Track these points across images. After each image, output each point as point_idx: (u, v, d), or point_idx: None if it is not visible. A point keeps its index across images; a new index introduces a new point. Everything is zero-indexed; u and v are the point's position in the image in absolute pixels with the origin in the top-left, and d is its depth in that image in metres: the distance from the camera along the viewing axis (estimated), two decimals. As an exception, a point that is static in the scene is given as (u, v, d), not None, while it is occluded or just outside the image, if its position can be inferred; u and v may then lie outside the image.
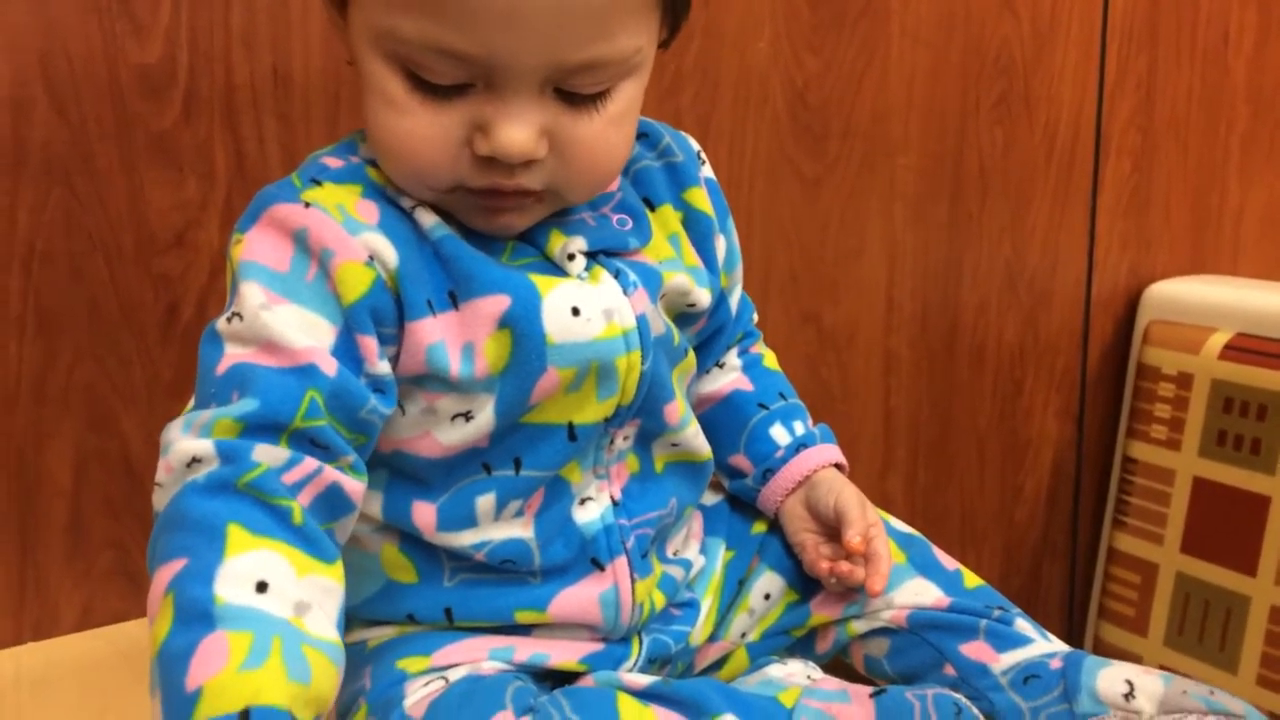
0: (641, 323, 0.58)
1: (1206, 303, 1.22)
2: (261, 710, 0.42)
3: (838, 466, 0.69)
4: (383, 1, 0.50)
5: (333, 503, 0.51)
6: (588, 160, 0.54)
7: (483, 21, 0.48)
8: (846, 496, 0.65)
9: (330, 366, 0.51)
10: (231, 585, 0.45)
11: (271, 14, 0.76)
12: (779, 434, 0.69)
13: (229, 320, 0.52)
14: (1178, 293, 1.26)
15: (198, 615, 0.44)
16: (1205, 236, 1.35)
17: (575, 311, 0.55)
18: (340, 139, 0.61)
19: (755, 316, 0.75)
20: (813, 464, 0.67)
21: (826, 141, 1.03)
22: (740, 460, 0.69)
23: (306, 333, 0.51)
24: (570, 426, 0.56)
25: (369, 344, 0.53)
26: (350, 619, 0.59)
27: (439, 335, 0.54)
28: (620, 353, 0.57)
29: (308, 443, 0.50)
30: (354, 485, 0.52)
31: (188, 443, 0.49)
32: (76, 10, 0.71)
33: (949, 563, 0.68)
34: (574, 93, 0.52)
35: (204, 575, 0.45)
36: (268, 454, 0.49)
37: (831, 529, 0.65)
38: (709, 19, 0.95)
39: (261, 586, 0.45)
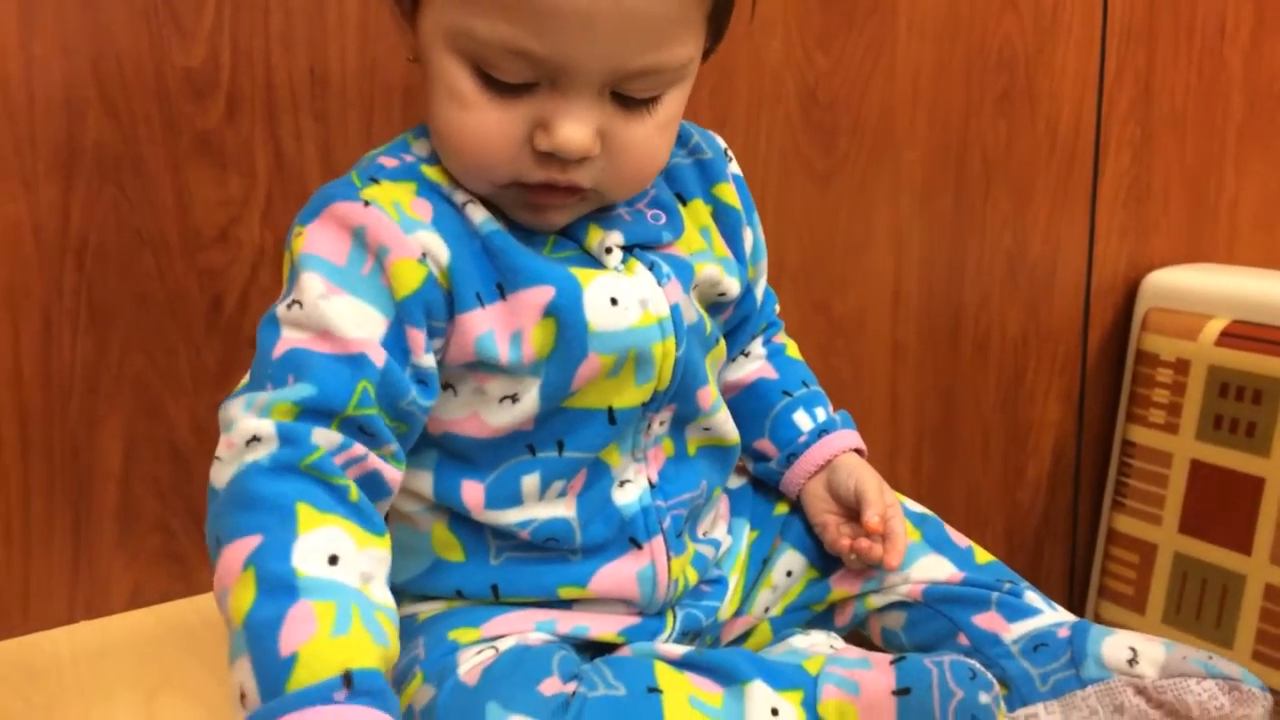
0: (675, 311, 0.61)
1: (1203, 291, 1.26)
2: (360, 673, 0.46)
3: (857, 451, 0.72)
4: (460, 3, 0.53)
5: (374, 487, 0.54)
6: (635, 161, 0.58)
7: (557, 26, 0.52)
8: (866, 479, 0.69)
9: (379, 357, 0.54)
10: (308, 559, 0.49)
11: (308, 16, 0.80)
12: (802, 420, 0.72)
13: (289, 307, 0.55)
14: (1175, 281, 1.29)
15: (282, 587, 0.48)
16: (1202, 226, 1.39)
17: (614, 301, 0.59)
18: (390, 138, 0.64)
19: (778, 307, 0.78)
20: (834, 449, 0.71)
21: (836, 137, 1.07)
22: (765, 445, 0.72)
23: (359, 324, 0.55)
24: (610, 410, 0.60)
25: (418, 337, 0.56)
26: (401, 594, 0.63)
27: (488, 325, 0.57)
28: (656, 340, 0.60)
29: (356, 429, 0.54)
30: (393, 474, 0.55)
31: (249, 422, 0.52)
32: (125, 15, 0.74)
33: (961, 540, 0.72)
34: (629, 97, 0.56)
35: (282, 550, 0.48)
36: (324, 437, 0.52)
37: (851, 510, 0.69)
38: (724, 19, 0.98)
39: (333, 560, 0.49)
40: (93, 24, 0.73)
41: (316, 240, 0.56)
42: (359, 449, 0.53)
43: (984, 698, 0.57)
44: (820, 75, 1.04)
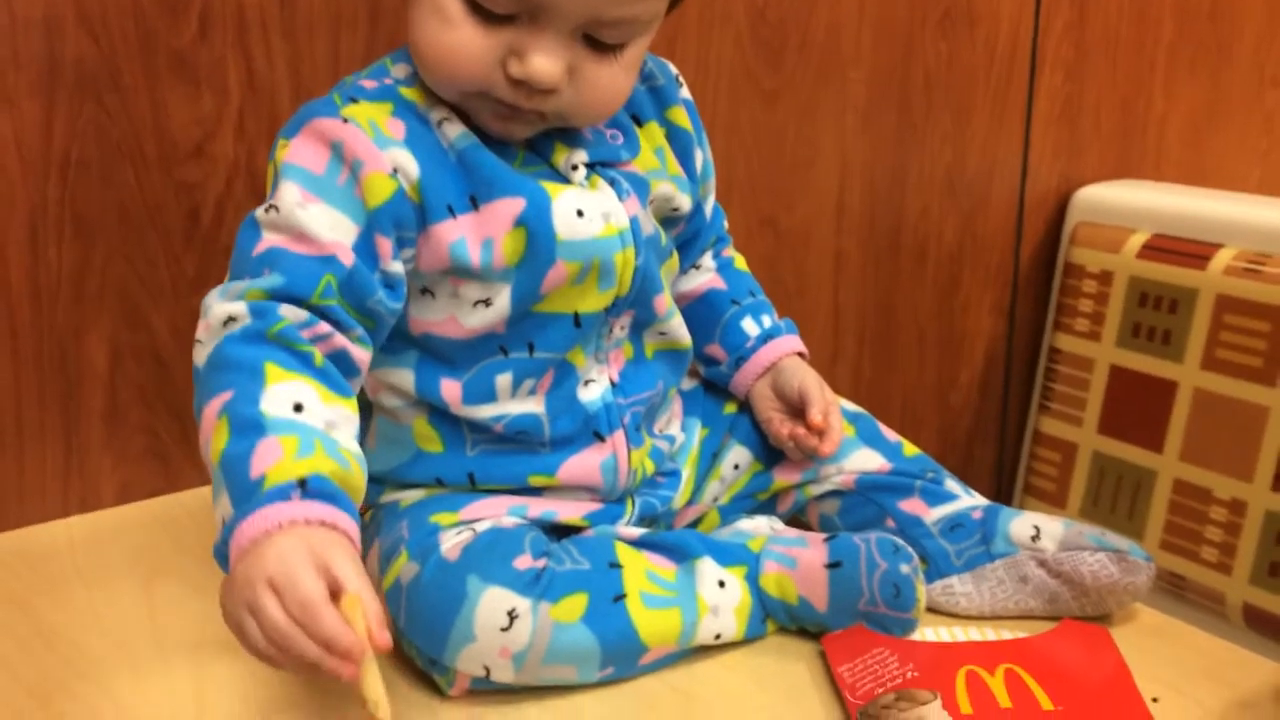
0: (634, 224, 0.66)
1: (1128, 206, 1.33)
2: (315, 477, 0.52)
3: (800, 355, 0.79)
4: None
5: (342, 364, 0.60)
6: (600, 98, 0.63)
7: None
8: (808, 380, 0.75)
9: (348, 258, 0.60)
10: (274, 405, 0.54)
11: (277, -62, 0.82)
12: (749, 326, 0.78)
13: (267, 211, 0.60)
14: (1103, 196, 1.36)
15: (251, 427, 0.53)
16: (1132, 144, 1.45)
17: (579, 214, 0.64)
18: (356, 57, 0.69)
19: (726, 224, 0.84)
20: (779, 352, 0.77)
21: (784, 55, 1.11)
22: (715, 349, 0.78)
23: (332, 229, 0.60)
24: (576, 315, 0.66)
25: (386, 244, 0.61)
26: (385, 481, 0.69)
27: (460, 234, 0.63)
28: (617, 249, 0.66)
29: (321, 314, 0.59)
30: (360, 354, 0.61)
31: (224, 305, 0.58)
32: (100, -65, 0.76)
33: (891, 435, 0.79)
34: (600, 41, 0.61)
35: (251, 399, 0.54)
36: (291, 313, 0.58)
37: (794, 407, 0.75)
38: (677, -59, 1.01)
39: (298, 407, 0.55)
40: (68, -57, 0.76)
41: (298, 151, 0.61)
42: (324, 327, 0.59)
43: (905, 569, 0.65)
44: (769, -5, 1.08)
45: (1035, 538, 0.70)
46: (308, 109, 0.63)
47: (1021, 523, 0.71)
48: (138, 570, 0.76)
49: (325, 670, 0.48)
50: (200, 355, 0.58)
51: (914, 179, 1.25)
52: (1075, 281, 1.35)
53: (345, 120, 0.61)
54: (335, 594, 0.50)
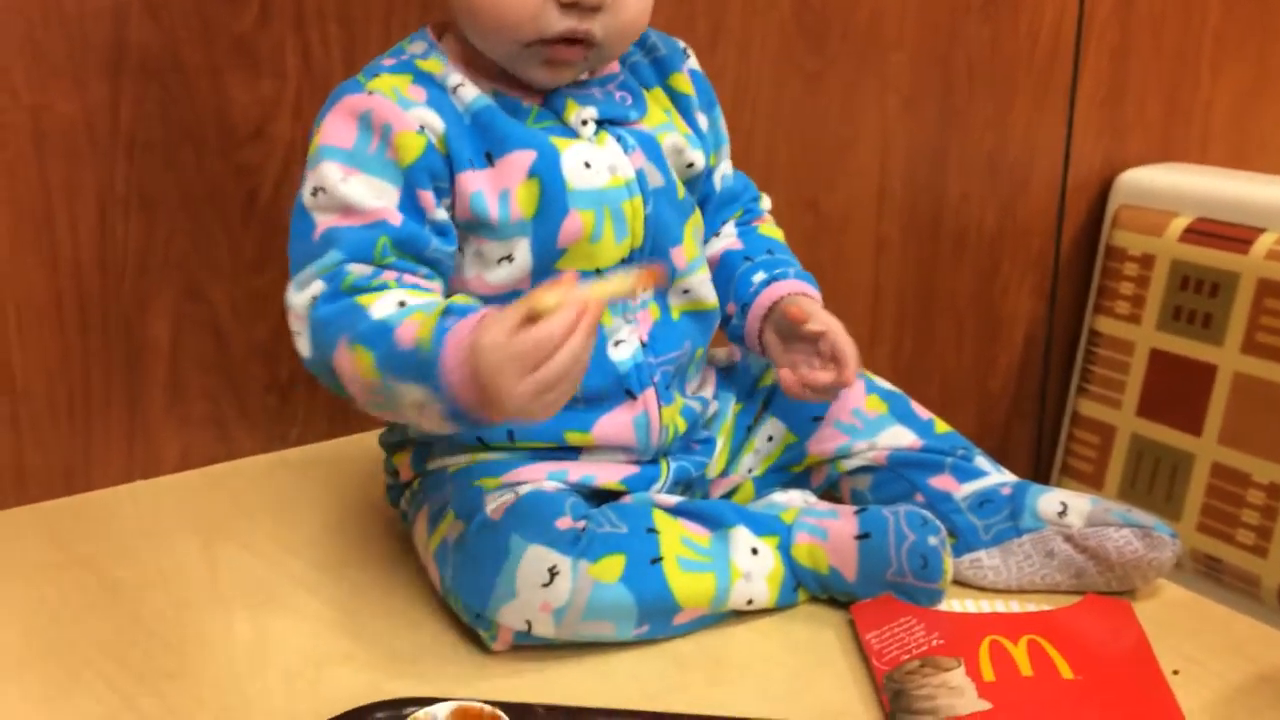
0: (640, 175, 0.70)
1: (1171, 189, 1.33)
2: (451, 304, 0.60)
3: (807, 297, 0.77)
4: None
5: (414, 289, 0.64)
6: (631, 14, 0.68)
7: None
8: (805, 302, 0.75)
9: (396, 219, 0.65)
10: (383, 311, 0.60)
11: (333, -73, 0.85)
12: (758, 277, 0.78)
13: (313, 194, 0.65)
14: (1146, 179, 1.36)
15: (379, 331, 0.59)
16: (1176, 126, 1.45)
17: (587, 165, 0.68)
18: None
19: (767, 203, 0.85)
20: (780, 292, 0.76)
21: (827, 40, 1.13)
22: (730, 306, 0.79)
23: (375, 196, 0.65)
24: (598, 272, 0.69)
25: (427, 197, 0.66)
26: (431, 449, 0.72)
27: (479, 185, 0.67)
28: (624, 199, 0.69)
29: (384, 269, 0.64)
30: (433, 285, 0.66)
31: (302, 295, 0.64)
32: (165, -75, 0.80)
33: (923, 413, 0.80)
34: None
35: (363, 319, 0.60)
36: (357, 269, 0.63)
37: (791, 336, 0.74)
38: (721, -73, 1.03)
39: (401, 304, 0.61)
40: (135, -67, 0.79)
41: (330, 131, 0.66)
42: (389, 274, 0.64)
43: (932, 540, 0.67)
44: (812, -20, 1.10)
45: (1062, 513, 0.72)
46: (336, 92, 0.68)
47: (1049, 499, 0.73)
48: (198, 532, 0.79)
49: (588, 329, 0.55)
50: (301, 343, 0.64)
51: (955, 162, 1.26)
52: (1117, 264, 1.35)
53: (370, 92, 0.66)
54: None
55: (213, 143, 0.85)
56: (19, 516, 0.82)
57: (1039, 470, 1.47)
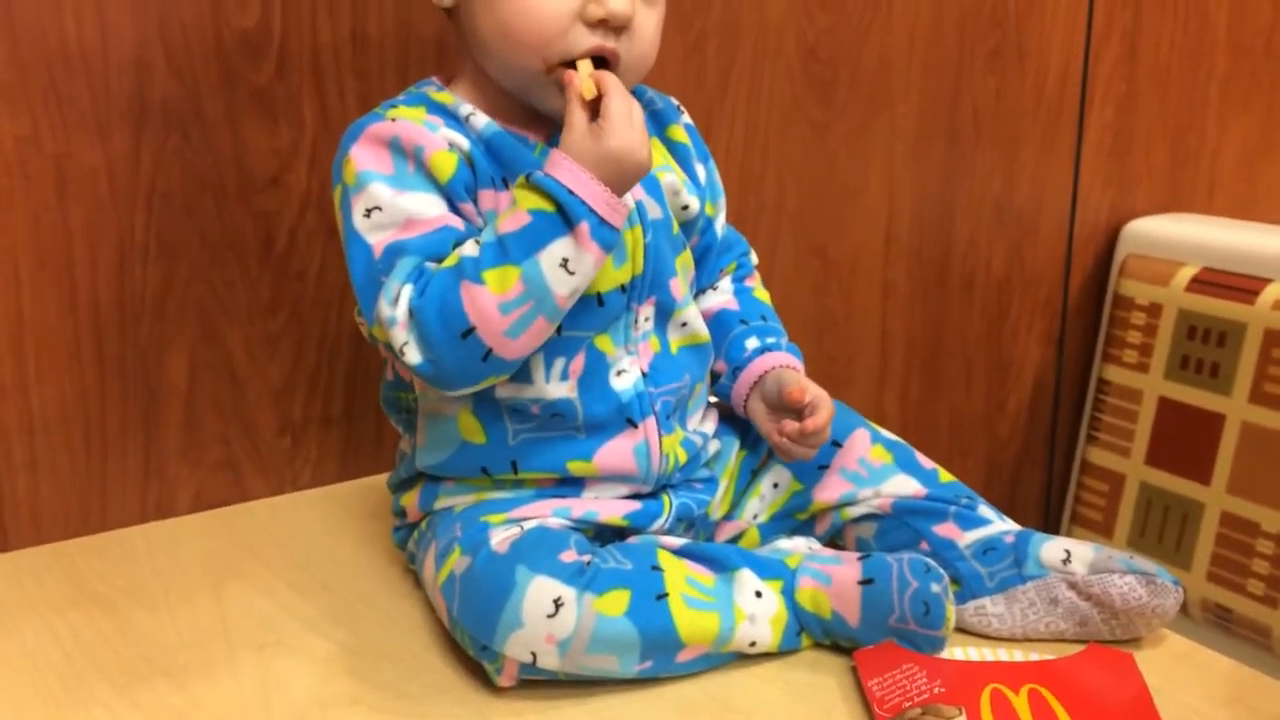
0: (639, 206, 0.72)
1: (1178, 239, 1.34)
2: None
3: (794, 369, 0.79)
4: None
5: None
6: (644, 45, 0.71)
7: None
8: (788, 377, 0.77)
9: (458, 224, 0.68)
10: (471, 248, 0.65)
11: (351, -18, 0.88)
12: (751, 343, 0.81)
13: (367, 215, 0.67)
14: (1153, 229, 1.37)
15: (489, 248, 0.64)
16: (1183, 176, 1.46)
17: None
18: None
19: (755, 259, 0.88)
20: (770, 363, 0.79)
21: (835, 90, 1.15)
22: (720, 364, 0.82)
23: (432, 206, 0.67)
24: (599, 295, 0.71)
25: (468, 209, 0.69)
26: (437, 485, 0.73)
27: (494, 206, 0.69)
28: (625, 227, 0.71)
29: None
30: None
31: (395, 309, 0.65)
32: (188, -19, 0.82)
33: (927, 463, 0.81)
34: None
35: (466, 261, 0.64)
36: (433, 267, 0.66)
37: (779, 406, 0.77)
38: (730, -19, 1.06)
39: (477, 241, 0.65)
40: (160, -11, 0.82)
41: (364, 159, 0.68)
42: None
43: (935, 588, 0.67)
44: (820, 32, 1.12)
45: (1066, 561, 0.72)
46: (357, 124, 0.70)
47: (1053, 546, 0.73)
48: (209, 572, 0.81)
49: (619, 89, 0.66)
50: (410, 352, 0.65)
51: (962, 209, 1.28)
52: (1124, 313, 1.36)
53: (393, 120, 0.68)
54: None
55: (231, 190, 0.87)
56: (35, 556, 0.83)
57: (1049, 517, 1.47)
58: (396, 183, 0.67)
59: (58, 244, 0.82)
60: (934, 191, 1.25)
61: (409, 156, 0.68)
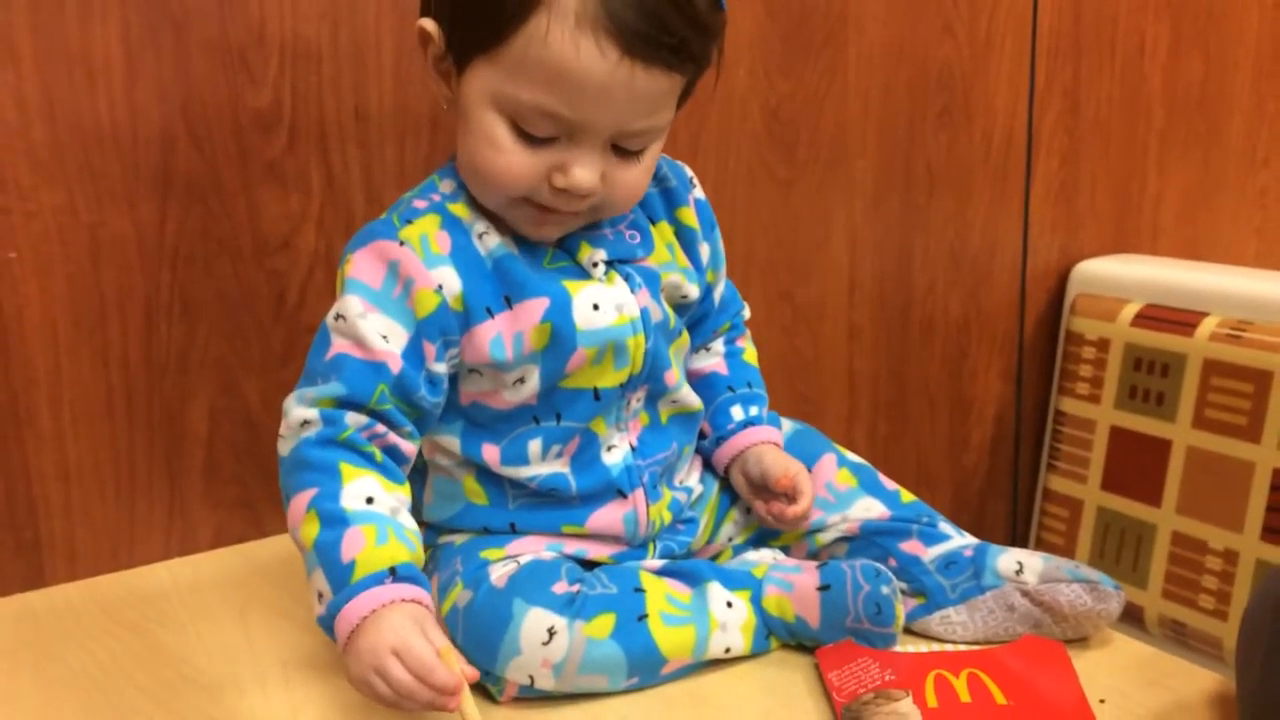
0: (644, 313, 0.78)
1: (1122, 278, 1.44)
2: (401, 565, 0.66)
3: (775, 445, 0.87)
4: (507, 76, 0.69)
5: (394, 456, 0.73)
6: (624, 195, 0.75)
7: (584, 99, 0.69)
8: (769, 459, 0.85)
9: (396, 365, 0.71)
10: (352, 500, 0.68)
11: (353, 65, 0.97)
12: (736, 412, 0.89)
13: (336, 320, 0.73)
14: (1099, 270, 1.47)
15: (336, 520, 0.67)
16: (1127, 221, 1.57)
17: (595, 307, 0.76)
18: (419, 163, 0.82)
19: (746, 314, 0.94)
20: (751, 439, 0.86)
21: (796, 150, 1.24)
22: (705, 426, 0.89)
23: (385, 338, 0.72)
24: (595, 390, 0.77)
25: (430, 348, 0.73)
26: (441, 528, 0.81)
27: (496, 331, 0.74)
28: (629, 335, 0.77)
29: (379, 417, 0.72)
30: (408, 446, 0.74)
31: (301, 410, 0.71)
32: (208, 67, 0.92)
33: (889, 484, 0.88)
34: (625, 149, 0.73)
35: (333, 496, 0.68)
36: (354, 420, 0.71)
37: (761, 486, 0.85)
38: (697, 53, 1.15)
39: (369, 499, 0.69)
40: (183, 75, 0.91)
41: (359, 268, 0.73)
42: (380, 428, 0.72)
43: (885, 590, 0.75)
44: (781, 98, 1.22)
45: (1019, 571, 0.79)
46: (370, 229, 0.75)
47: (1007, 558, 0.80)
48: (233, 603, 0.88)
49: (437, 707, 0.63)
50: (284, 448, 0.71)
51: (920, 257, 1.37)
52: (1076, 348, 1.46)
53: (401, 243, 0.73)
54: None
55: (247, 253, 0.96)
56: (71, 591, 0.90)
57: (1015, 543, 1.53)
58: (375, 299, 0.72)
59: (91, 305, 0.91)
60: (893, 241, 1.34)
61: (399, 281, 0.72)
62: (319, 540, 0.67)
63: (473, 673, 0.64)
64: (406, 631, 0.63)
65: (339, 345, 0.72)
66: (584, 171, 0.71)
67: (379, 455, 0.71)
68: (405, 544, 0.68)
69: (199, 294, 0.95)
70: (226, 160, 0.94)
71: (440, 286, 0.73)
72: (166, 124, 0.91)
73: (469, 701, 0.63)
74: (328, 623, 0.66)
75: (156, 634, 0.83)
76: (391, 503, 0.70)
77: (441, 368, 0.74)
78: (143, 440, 0.95)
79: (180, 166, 0.92)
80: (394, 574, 0.66)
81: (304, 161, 0.97)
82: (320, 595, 0.67)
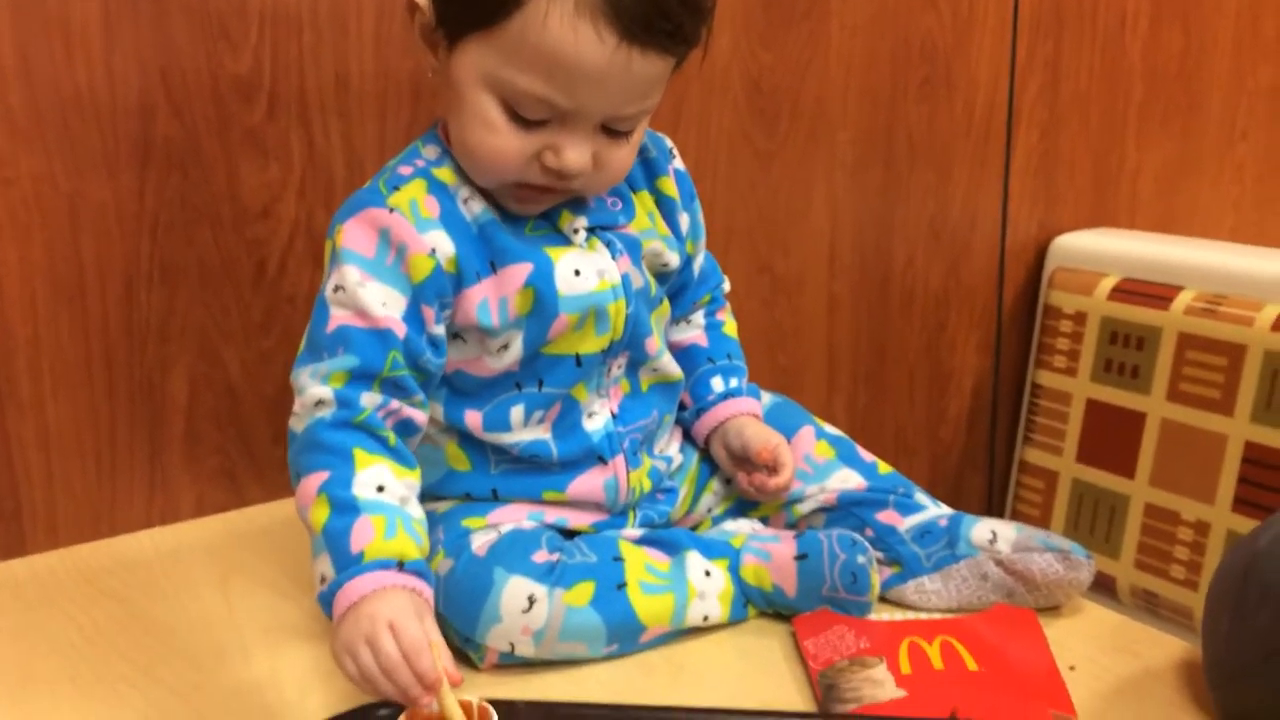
0: (625, 279, 0.79)
1: (1100, 252, 1.45)
2: (410, 563, 0.66)
3: (755, 416, 0.88)
4: (502, 59, 0.69)
5: (407, 429, 0.73)
6: (613, 173, 0.76)
7: (579, 85, 0.69)
8: (750, 431, 0.86)
9: (401, 330, 0.72)
10: (363, 488, 0.68)
11: (334, 33, 0.97)
12: (716, 384, 0.90)
13: (335, 291, 0.73)
14: (1077, 244, 1.48)
15: (347, 508, 0.67)
16: (1105, 194, 1.58)
17: (577, 273, 0.76)
18: (400, 132, 0.82)
19: (727, 287, 0.95)
20: (731, 410, 0.87)
21: (778, 121, 1.25)
22: (685, 397, 0.90)
23: (385, 305, 0.72)
24: (577, 356, 0.78)
25: (429, 312, 0.73)
26: (423, 495, 0.81)
27: (483, 295, 0.75)
28: (610, 301, 0.78)
29: (393, 386, 0.72)
30: (420, 416, 0.74)
31: (315, 389, 0.71)
32: (187, 33, 0.91)
33: (867, 456, 0.90)
34: (614, 130, 0.74)
35: (345, 482, 0.68)
36: (369, 399, 0.71)
37: (742, 458, 0.86)
38: (680, 23, 1.15)
39: (380, 488, 0.68)
40: (162, 41, 0.90)
41: (352, 237, 0.73)
42: (394, 404, 0.72)
43: (861, 559, 0.76)
44: (763, 68, 1.22)
45: (992, 541, 0.81)
46: (358, 198, 0.75)
47: (980, 528, 0.82)
48: (213, 571, 0.89)
49: (410, 695, 0.61)
50: (297, 425, 0.71)
51: (900, 229, 1.38)
52: (1053, 322, 1.47)
53: (391, 209, 0.73)
54: None
55: (226, 221, 0.96)
56: (52, 559, 0.91)
57: (991, 514, 1.54)
58: (370, 268, 0.72)
59: (71, 273, 0.91)
60: (873, 213, 1.35)
61: (392, 248, 0.72)
62: (328, 525, 0.67)
63: (456, 676, 0.62)
64: (405, 613, 0.63)
65: (340, 317, 0.72)
66: (576, 153, 0.72)
67: (392, 439, 0.71)
68: (413, 537, 0.68)
69: (179, 262, 0.95)
70: (206, 128, 0.94)
71: (434, 250, 0.73)
72: (146, 91, 0.91)
73: (450, 699, 0.62)
74: (328, 598, 0.66)
75: (139, 602, 0.83)
76: (402, 491, 0.70)
77: (440, 330, 0.74)
78: (123, 409, 0.95)
79: (160, 134, 0.92)
80: (401, 566, 0.66)
81: (284, 129, 0.97)
82: (323, 578, 0.66)
